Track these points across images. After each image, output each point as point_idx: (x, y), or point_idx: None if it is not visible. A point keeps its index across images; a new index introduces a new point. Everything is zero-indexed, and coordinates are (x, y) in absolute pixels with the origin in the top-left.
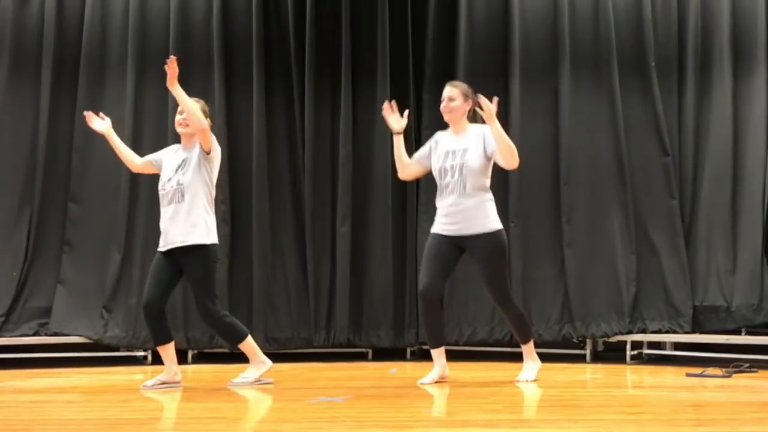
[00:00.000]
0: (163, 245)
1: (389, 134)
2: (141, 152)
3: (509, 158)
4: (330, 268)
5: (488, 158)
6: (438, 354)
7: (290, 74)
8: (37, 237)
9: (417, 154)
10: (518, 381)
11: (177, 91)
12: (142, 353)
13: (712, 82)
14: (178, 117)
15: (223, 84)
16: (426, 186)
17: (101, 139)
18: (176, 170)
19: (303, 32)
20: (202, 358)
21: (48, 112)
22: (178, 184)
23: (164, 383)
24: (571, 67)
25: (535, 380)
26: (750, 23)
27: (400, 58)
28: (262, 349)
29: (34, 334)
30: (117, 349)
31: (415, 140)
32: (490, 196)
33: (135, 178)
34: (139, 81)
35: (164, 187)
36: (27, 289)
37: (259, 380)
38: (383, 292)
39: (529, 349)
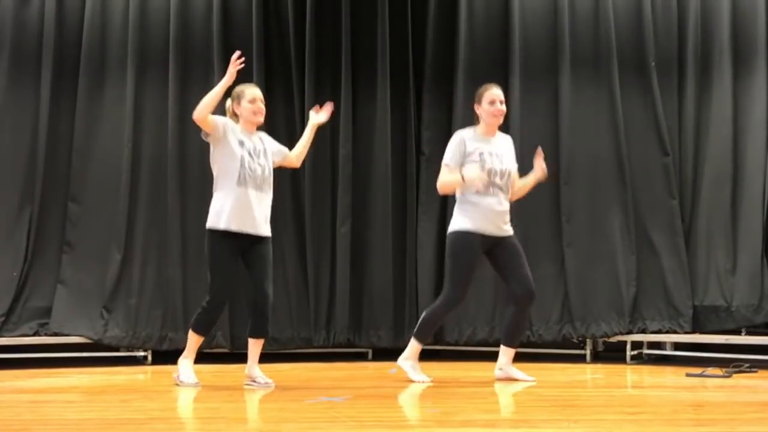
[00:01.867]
0: (247, 227)
1: (389, 134)
2: (140, 151)
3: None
4: (330, 268)
5: None
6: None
7: (290, 74)
8: (37, 237)
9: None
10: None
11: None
12: (142, 353)
13: (712, 81)
14: (254, 106)
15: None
16: (426, 186)
17: (101, 139)
18: (260, 156)
19: (303, 32)
20: (202, 358)
21: (48, 112)
22: (269, 172)
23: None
24: (571, 67)
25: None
26: (750, 23)
27: (400, 58)
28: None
29: (34, 334)
30: (117, 349)
31: (415, 140)
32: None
33: (135, 178)
34: (139, 81)
35: (254, 169)
36: (27, 289)
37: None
38: (383, 292)
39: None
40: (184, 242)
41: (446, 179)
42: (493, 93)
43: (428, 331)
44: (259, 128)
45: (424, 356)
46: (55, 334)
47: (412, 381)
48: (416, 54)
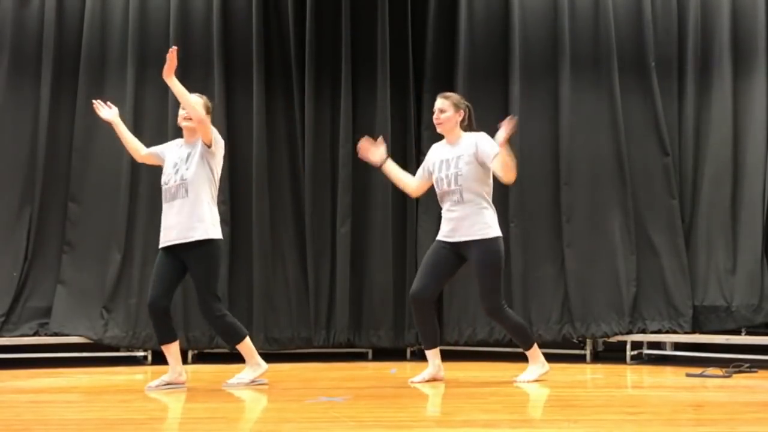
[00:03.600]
0: (166, 241)
1: (389, 134)
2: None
3: (507, 174)
4: (330, 268)
5: (481, 164)
6: (432, 354)
7: (290, 74)
8: (37, 237)
9: (419, 172)
10: (516, 381)
11: (173, 82)
12: (142, 353)
13: (712, 81)
14: (181, 112)
15: (223, 84)
16: None
17: (101, 139)
18: (179, 165)
19: (303, 32)
20: (202, 358)
21: (48, 112)
22: (182, 179)
23: (169, 384)
24: (571, 67)
25: (534, 381)
26: (750, 23)
27: (400, 58)
28: (261, 349)
29: (34, 334)
30: (117, 349)
31: (415, 140)
32: (487, 203)
33: (135, 178)
34: (139, 81)
35: (167, 182)
36: (27, 289)
37: (255, 381)
38: (383, 292)
39: (533, 354)
40: None
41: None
42: (435, 104)
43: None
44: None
45: (425, 357)
46: (55, 334)
47: (413, 382)
48: (416, 54)
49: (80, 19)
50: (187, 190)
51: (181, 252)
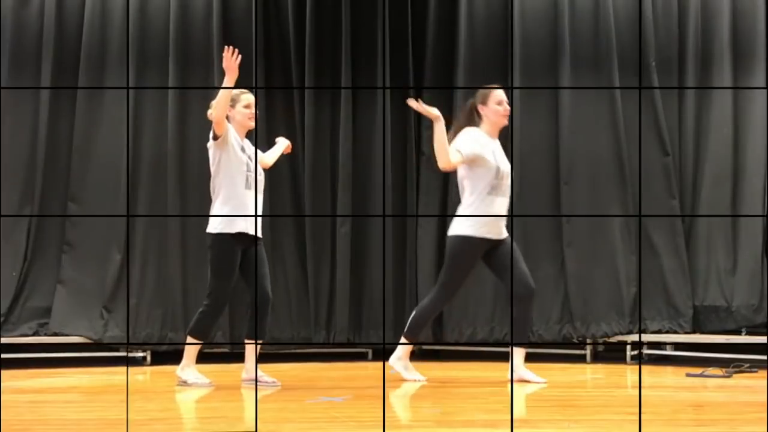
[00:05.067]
0: (246, 227)
1: (390, 134)
2: (140, 151)
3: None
4: (330, 268)
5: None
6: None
7: (290, 74)
8: (37, 237)
9: (468, 151)
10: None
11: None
12: (141, 354)
13: (713, 82)
14: (249, 111)
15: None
16: (426, 186)
17: (101, 139)
18: (254, 161)
19: (303, 32)
20: (203, 358)
21: (48, 112)
22: (261, 173)
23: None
24: (571, 67)
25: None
26: (750, 23)
27: (400, 59)
28: (262, 349)
29: (34, 334)
30: (117, 350)
31: (415, 140)
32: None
33: (135, 178)
34: (139, 81)
35: (250, 169)
36: (26, 289)
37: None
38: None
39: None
40: (184, 242)
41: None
42: (499, 95)
43: (420, 329)
44: (259, 124)
45: (424, 356)
46: (55, 334)
47: (404, 380)
48: (416, 54)
49: (80, 19)
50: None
51: (248, 241)
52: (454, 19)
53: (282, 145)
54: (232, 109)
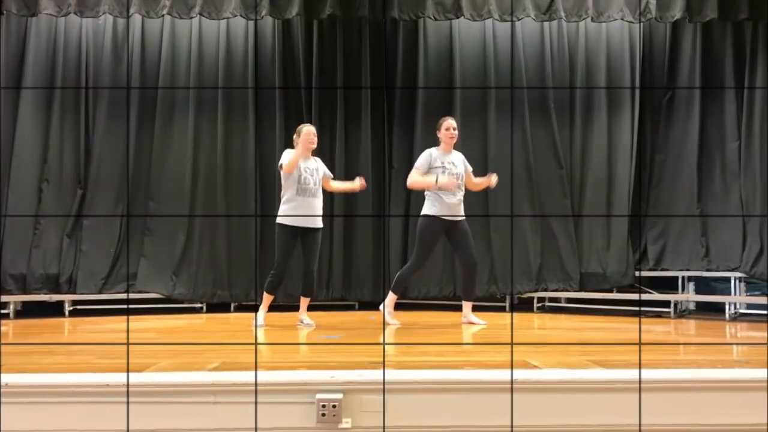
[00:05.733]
0: (309, 222)
1: (370, 153)
2: (198, 165)
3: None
4: (329, 246)
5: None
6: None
7: (301, 114)
8: (127, 225)
9: (424, 163)
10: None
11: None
12: (199, 305)
13: (594, 116)
14: (307, 138)
15: (254, 121)
16: (395, 189)
17: (171, 156)
18: (312, 173)
19: (310, 82)
20: (241, 308)
21: (135, 138)
22: (317, 184)
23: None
24: (496, 106)
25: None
26: (619, 74)
27: (377, 100)
28: (281, 302)
29: (125, 292)
30: (181, 302)
31: (388, 157)
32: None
33: (194, 183)
34: (198, 117)
35: (307, 182)
36: (120, 261)
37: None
38: (366, 261)
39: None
40: (229, 229)
41: (418, 179)
42: (448, 122)
43: (402, 286)
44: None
45: (395, 308)
46: (139, 292)
47: (388, 323)
48: (389, 97)
49: (156, 74)
50: (320, 193)
51: (304, 231)
52: (414, 74)
53: (353, 184)
54: (297, 138)
